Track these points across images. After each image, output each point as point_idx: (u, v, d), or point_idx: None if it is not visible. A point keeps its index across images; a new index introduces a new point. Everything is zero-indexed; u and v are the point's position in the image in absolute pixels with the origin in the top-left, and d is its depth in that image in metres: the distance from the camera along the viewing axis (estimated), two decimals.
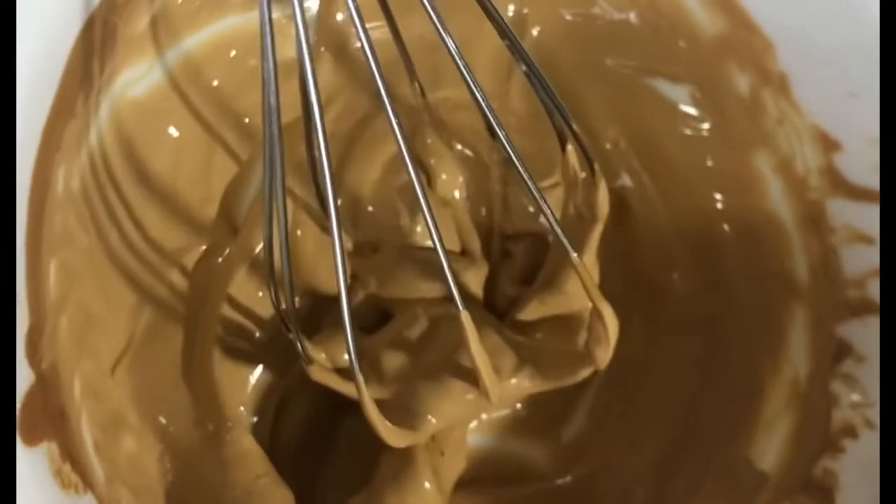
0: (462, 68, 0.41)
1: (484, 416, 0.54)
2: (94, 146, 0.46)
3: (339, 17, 0.54)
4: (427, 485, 0.46)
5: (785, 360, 0.52)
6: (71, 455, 0.41)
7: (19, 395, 0.38)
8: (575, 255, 0.43)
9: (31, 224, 0.40)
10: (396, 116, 0.41)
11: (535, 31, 0.57)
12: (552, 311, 0.48)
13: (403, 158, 0.41)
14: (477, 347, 0.42)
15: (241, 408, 0.50)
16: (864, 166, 0.49)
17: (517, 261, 0.53)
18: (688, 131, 0.55)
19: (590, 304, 0.45)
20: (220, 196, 0.53)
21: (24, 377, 0.39)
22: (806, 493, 0.49)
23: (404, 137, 0.41)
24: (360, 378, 0.42)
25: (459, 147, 0.54)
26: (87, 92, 0.45)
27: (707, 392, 0.54)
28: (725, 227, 0.55)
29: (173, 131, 0.51)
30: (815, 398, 0.50)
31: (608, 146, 0.57)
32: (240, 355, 0.50)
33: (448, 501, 0.50)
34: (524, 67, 0.45)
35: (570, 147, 0.46)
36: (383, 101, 0.40)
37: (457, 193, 0.54)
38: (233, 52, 0.51)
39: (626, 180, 0.57)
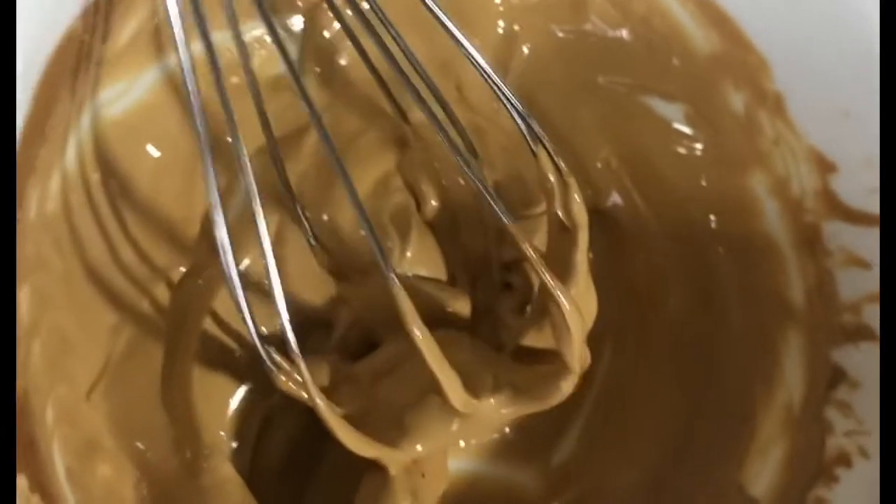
0: (434, 93, 0.40)
1: (473, 441, 0.53)
2: (69, 168, 0.46)
3: (326, 34, 0.54)
4: None
5: (778, 385, 0.51)
6: (41, 486, 0.40)
7: None
8: (510, 222, 0.43)
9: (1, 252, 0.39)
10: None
11: (525, 49, 0.56)
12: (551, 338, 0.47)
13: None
14: (412, 318, 0.42)
15: (222, 432, 0.49)
16: (860, 189, 0.48)
17: (516, 291, 0.51)
18: (681, 150, 0.55)
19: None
20: (202, 215, 0.52)
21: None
22: None
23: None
24: (306, 373, 0.42)
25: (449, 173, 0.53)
26: (59, 114, 0.44)
27: (699, 415, 0.53)
28: (719, 248, 0.54)
29: (153, 151, 0.50)
30: (809, 424, 0.50)
31: (599, 165, 0.56)
32: (220, 377, 0.49)
33: None
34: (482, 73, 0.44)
35: (539, 151, 0.45)
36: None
37: (446, 220, 0.53)
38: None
39: (617, 199, 0.56)
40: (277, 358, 0.43)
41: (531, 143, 0.45)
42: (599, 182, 0.56)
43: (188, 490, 0.47)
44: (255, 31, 0.52)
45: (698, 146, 0.54)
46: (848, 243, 0.49)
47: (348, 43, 0.51)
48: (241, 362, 0.50)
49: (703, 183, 0.54)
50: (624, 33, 0.54)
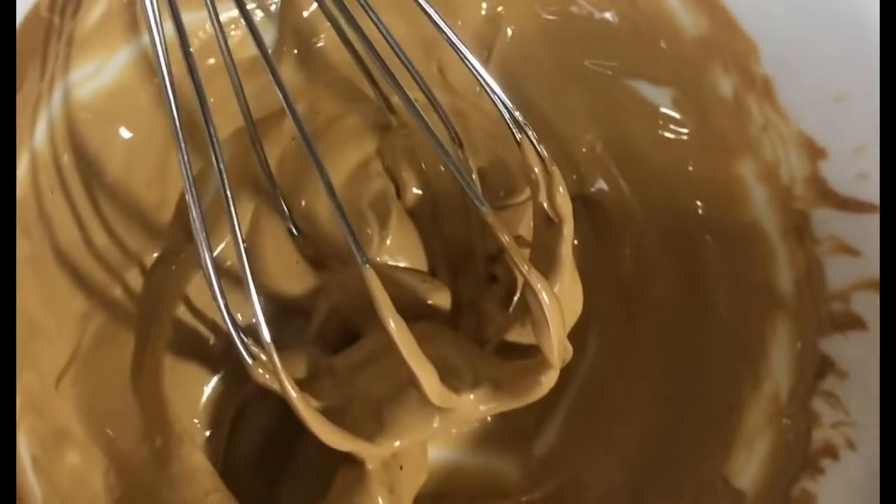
0: (415, 76, 0.39)
1: (453, 431, 0.53)
2: (39, 148, 0.45)
3: (304, 14, 0.53)
4: (380, 502, 0.45)
5: (765, 375, 0.50)
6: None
7: None
8: (489, 211, 0.42)
9: None
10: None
11: (509, 31, 0.55)
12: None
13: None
14: (387, 308, 0.40)
15: (195, 420, 0.48)
16: (850, 175, 0.48)
17: (502, 284, 0.50)
18: (668, 135, 0.54)
19: None
20: (176, 200, 0.51)
21: None
22: None
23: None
24: (279, 364, 0.41)
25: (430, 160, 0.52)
26: (27, 95, 0.43)
27: (684, 406, 0.52)
28: (706, 235, 0.53)
29: (125, 133, 0.49)
30: (796, 415, 0.49)
31: (584, 150, 0.55)
32: (194, 365, 0.48)
33: None
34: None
35: (523, 140, 0.44)
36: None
37: (427, 208, 0.52)
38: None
39: (602, 185, 0.55)
40: (254, 349, 0.42)
41: (515, 132, 0.44)
42: (584, 167, 0.55)
43: (158, 478, 0.46)
44: (232, 12, 0.50)
45: (685, 131, 0.53)
46: (837, 231, 0.49)
47: (327, 24, 0.51)
48: (216, 350, 0.49)
49: (691, 168, 0.53)
50: (610, 15, 0.53)
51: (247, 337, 0.42)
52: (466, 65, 0.43)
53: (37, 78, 0.44)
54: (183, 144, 0.41)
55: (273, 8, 0.53)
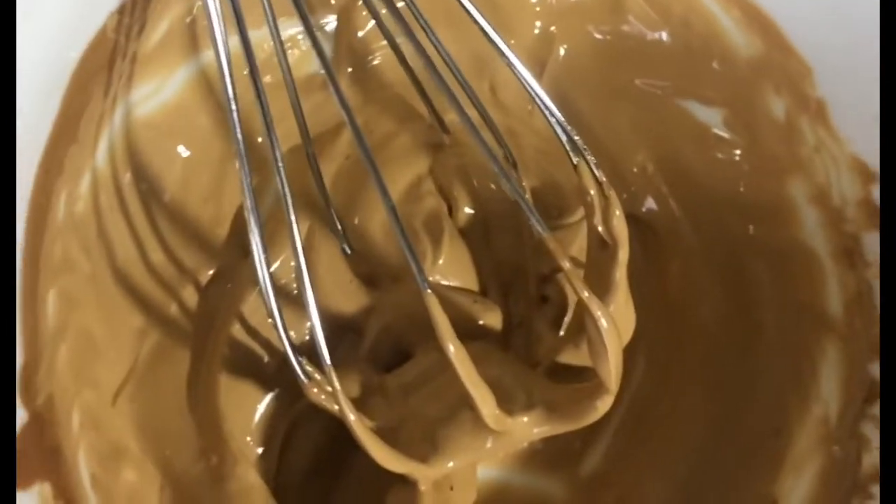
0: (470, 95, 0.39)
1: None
2: (100, 167, 0.45)
3: (359, 34, 0.53)
4: None
5: (814, 398, 0.50)
6: (66, 494, 0.40)
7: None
8: (549, 234, 0.42)
9: (28, 254, 0.39)
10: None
11: (561, 50, 0.55)
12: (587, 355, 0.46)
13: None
14: (447, 331, 0.40)
15: (248, 438, 0.48)
16: None
17: (553, 305, 0.50)
18: (719, 156, 0.54)
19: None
20: (231, 217, 0.51)
21: (16, 417, 0.37)
22: None
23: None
24: (338, 386, 0.41)
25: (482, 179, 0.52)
26: (91, 114, 0.43)
27: (732, 427, 0.52)
28: (756, 256, 0.53)
29: (183, 150, 0.50)
30: (845, 439, 0.48)
31: (635, 170, 0.55)
32: (248, 383, 0.48)
33: None
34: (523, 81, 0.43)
35: (580, 163, 0.44)
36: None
37: (479, 227, 0.52)
38: (245, 70, 0.49)
39: (652, 205, 0.55)
40: (309, 368, 0.42)
41: (572, 155, 0.44)
42: (635, 187, 0.55)
43: (213, 496, 0.46)
44: (288, 31, 0.51)
45: (737, 152, 0.53)
46: None
47: (382, 43, 0.51)
48: (269, 369, 0.49)
49: (741, 189, 0.53)
50: (663, 35, 0.53)
51: (301, 356, 0.42)
52: (525, 86, 0.43)
53: (101, 97, 0.44)
54: (245, 161, 0.40)
55: (328, 27, 0.53)
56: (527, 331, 0.50)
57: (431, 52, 0.46)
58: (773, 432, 0.50)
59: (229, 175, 0.51)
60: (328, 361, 0.41)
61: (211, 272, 0.50)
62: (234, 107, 0.39)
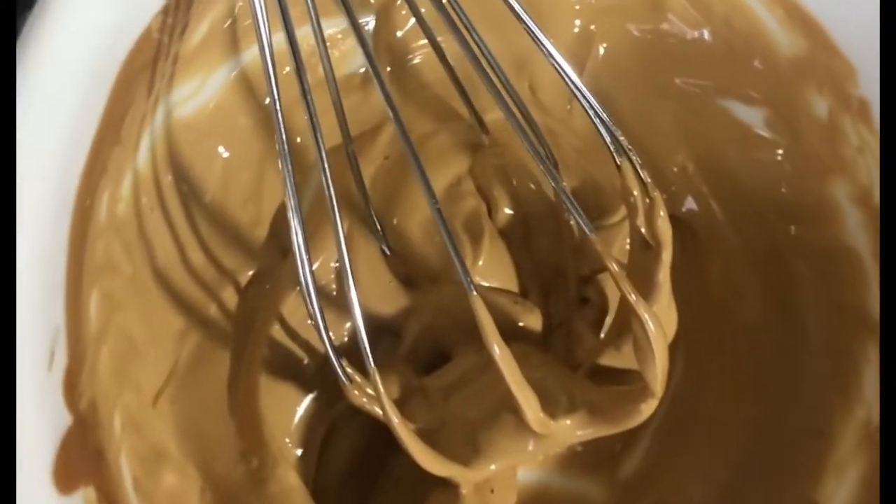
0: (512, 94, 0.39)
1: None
2: (141, 168, 0.45)
3: (398, 33, 0.52)
4: None
5: (857, 400, 0.49)
6: (109, 497, 0.39)
7: (55, 441, 0.36)
8: (595, 235, 0.41)
9: (72, 256, 0.38)
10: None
11: (601, 49, 0.55)
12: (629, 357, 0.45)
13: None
14: (492, 333, 0.40)
15: (287, 440, 0.48)
16: None
17: (593, 306, 0.50)
18: (761, 156, 0.53)
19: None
20: (271, 218, 0.51)
21: (61, 421, 0.37)
22: None
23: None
24: (382, 389, 0.41)
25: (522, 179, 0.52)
26: (134, 114, 0.43)
27: (773, 429, 0.51)
28: (798, 257, 0.52)
29: (223, 151, 0.49)
30: None
31: (675, 169, 0.55)
32: (287, 384, 0.48)
33: None
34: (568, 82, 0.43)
35: (624, 164, 0.44)
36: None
37: (518, 228, 0.51)
38: (286, 69, 0.49)
39: (692, 205, 0.55)
40: (350, 370, 0.42)
41: (615, 155, 0.43)
42: (675, 187, 0.55)
43: (253, 499, 0.46)
44: (327, 31, 0.50)
45: (779, 152, 0.53)
46: None
47: (421, 42, 0.51)
48: (308, 370, 0.49)
49: (783, 190, 0.53)
50: (704, 34, 0.53)
51: (341, 357, 0.42)
52: (569, 85, 0.43)
53: (144, 97, 0.44)
54: (288, 160, 0.40)
55: (367, 27, 0.53)
56: (567, 332, 0.50)
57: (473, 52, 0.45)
58: (816, 434, 0.50)
59: (268, 176, 0.51)
60: (372, 363, 0.40)
61: (251, 273, 0.50)
62: (278, 106, 0.39)
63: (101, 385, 0.41)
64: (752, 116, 0.53)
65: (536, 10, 0.50)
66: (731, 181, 0.54)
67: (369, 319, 0.48)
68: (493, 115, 0.51)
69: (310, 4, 0.43)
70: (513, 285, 0.50)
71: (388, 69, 0.53)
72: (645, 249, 0.45)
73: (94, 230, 0.41)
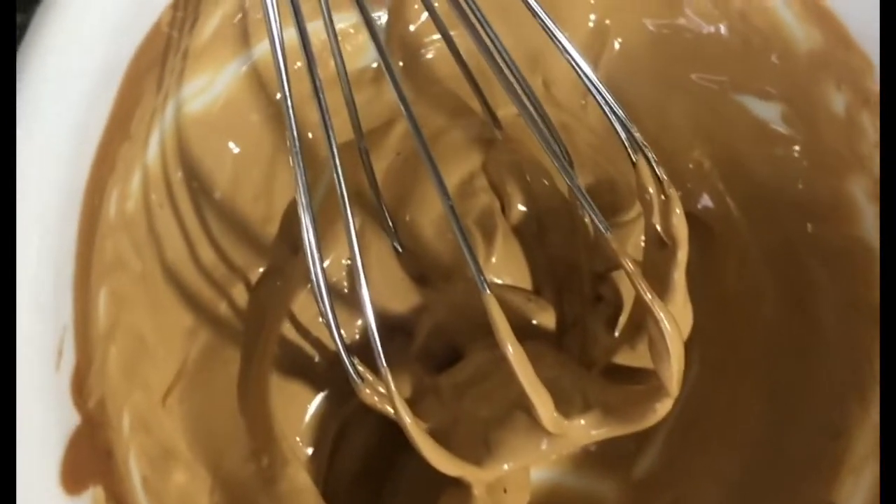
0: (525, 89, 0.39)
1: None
2: (150, 164, 0.45)
3: (411, 27, 0.52)
4: None
5: (874, 401, 0.49)
6: (118, 497, 0.39)
7: (63, 442, 0.36)
8: (610, 233, 0.41)
9: (81, 254, 0.38)
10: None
11: (616, 44, 0.54)
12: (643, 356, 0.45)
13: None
14: (506, 332, 0.40)
15: (298, 438, 0.47)
16: None
17: (608, 304, 0.49)
18: (777, 152, 0.52)
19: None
20: (281, 215, 0.51)
21: (69, 421, 0.37)
22: None
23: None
24: (394, 389, 0.40)
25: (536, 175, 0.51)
26: (143, 110, 0.42)
27: (788, 430, 0.51)
28: (815, 255, 0.52)
29: (234, 147, 0.49)
30: None
31: (691, 166, 0.54)
32: (298, 383, 0.48)
33: None
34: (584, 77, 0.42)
35: (640, 161, 0.43)
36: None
37: (532, 225, 0.50)
38: (297, 64, 0.48)
39: (708, 202, 0.54)
40: (361, 369, 0.41)
41: (631, 152, 0.43)
42: (690, 183, 0.54)
43: (263, 498, 0.46)
44: (338, 25, 0.50)
45: (796, 148, 0.52)
46: None
47: (434, 37, 0.50)
48: (320, 368, 0.48)
49: (800, 186, 0.52)
50: (720, 29, 0.52)
51: (353, 356, 0.42)
52: (584, 81, 0.43)
53: (153, 93, 0.43)
54: (299, 156, 0.40)
55: (380, 21, 0.52)
56: (581, 331, 0.49)
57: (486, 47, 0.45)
58: (832, 434, 0.49)
59: (279, 172, 0.50)
60: (384, 362, 0.40)
61: (261, 270, 0.50)
62: (289, 102, 0.39)
63: (109, 384, 0.41)
64: (769, 112, 0.52)
65: (551, 4, 0.49)
66: (747, 178, 0.53)
67: (381, 317, 0.48)
68: (507, 110, 0.50)
69: None
70: (526, 283, 0.50)
71: (401, 64, 0.53)
72: (660, 248, 0.44)
73: (104, 227, 0.40)
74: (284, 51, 0.39)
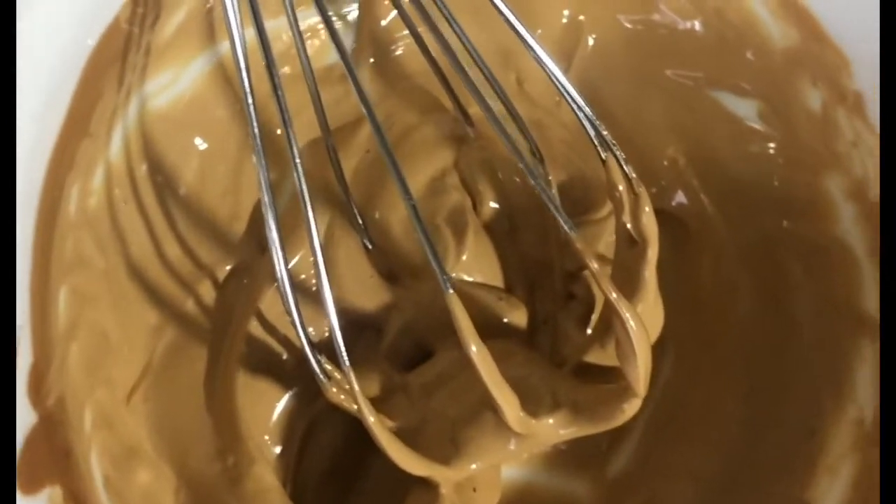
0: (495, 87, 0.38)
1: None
2: (114, 161, 0.44)
3: (382, 23, 0.52)
4: None
5: (850, 399, 0.48)
6: (77, 497, 0.39)
7: (18, 440, 0.36)
8: (575, 233, 0.40)
9: (38, 252, 0.38)
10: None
11: (590, 40, 0.54)
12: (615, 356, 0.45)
13: None
14: (468, 332, 0.39)
15: (266, 437, 0.47)
16: None
17: (580, 302, 0.49)
18: (753, 149, 0.52)
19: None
20: (250, 212, 0.51)
21: (25, 419, 0.36)
22: None
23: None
24: (357, 388, 0.40)
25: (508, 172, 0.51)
26: (104, 107, 0.42)
27: (763, 428, 0.51)
28: (790, 253, 0.51)
29: (200, 143, 0.49)
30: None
31: (665, 163, 0.54)
32: (266, 381, 0.47)
33: None
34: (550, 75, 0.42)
35: (609, 159, 0.43)
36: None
37: (504, 222, 0.50)
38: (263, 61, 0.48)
39: (682, 199, 0.54)
40: (328, 367, 0.41)
41: (600, 150, 0.42)
42: (665, 181, 0.54)
43: (229, 498, 0.45)
44: (308, 20, 0.50)
45: (771, 145, 0.52)
46: None
47: (405, 32, 0.50)
48: (288, 366, 0.48)
49: (776, 184, 0.52)
50: (695, 25, 0.52)
51: (320, 354, 0.41)
52: (551, 78, 0.42)
53: (114, 90, 0.43)
54: (262, 155, 0.39)
55: (350, 16, 0.52)
56: (553, 329, 0.49)
57: (455, 43, 0.45)
58: (808, 434, 0.49)
59: (247, 168, 0.50)
60: (346, 361, 0.40)
61: (228, 268, 0.50)
62: (250, 100, 0.38)
63: (70, 382, 0.40)
64: (745, 109, 0.52)
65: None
66: (722, 175, 0.53)
67: (350, 315, 0.48)
68: (479, 107, 0.50)
69: None
70: (498, 281, 0.50)
71: (372, 60, 0.53)
72: (631, 246, 0.44)
73: (63, 225, 0.40)
74: (246, 48, 0.38)
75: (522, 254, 0.50)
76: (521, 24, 0.42)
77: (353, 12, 0.52)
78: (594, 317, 0.48)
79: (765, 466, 0.50)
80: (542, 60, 0.42)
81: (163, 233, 0.47)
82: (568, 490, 0.52)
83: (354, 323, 0.48)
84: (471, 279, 0.49)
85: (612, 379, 0.44)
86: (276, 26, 0.47)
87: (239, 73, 0.39)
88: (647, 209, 0.43)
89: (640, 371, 0.40)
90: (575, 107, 0.42)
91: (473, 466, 0.43)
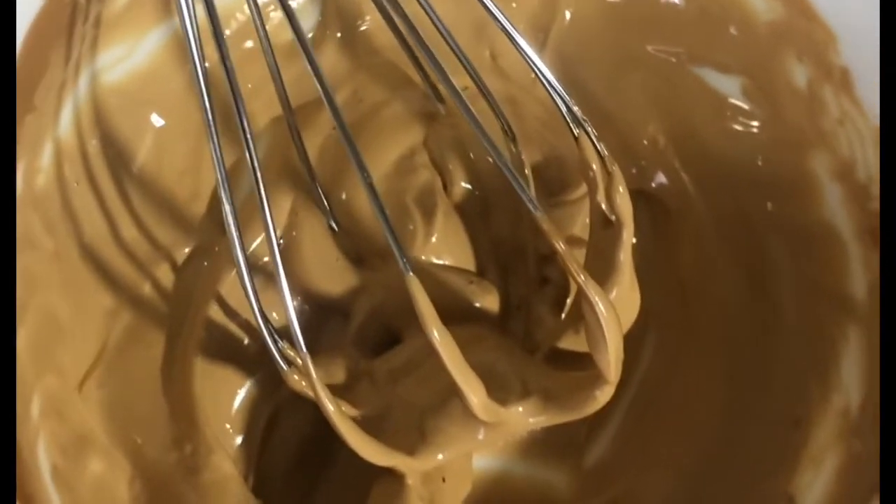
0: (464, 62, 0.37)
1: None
2: (63, 137, 0.43)
3: None
4: None
5: (835, 388, 0.47)
6: (22, 489, 0.37)
7: None
8: (542, 214, 0.39)
9: None
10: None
11: (567, 14, 0.53)
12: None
13: None
14: (430, 316, 0.38)
15: (227, 425, 0.46)
16: None
17: (554, 286, 0.48)
18: (737, 127, 0.51)
19: None
20: (210, 192, 0.49)
21: None
22: None
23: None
24: (314, 375, 0.38)
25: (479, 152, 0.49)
26: (50, 80, 0.41)
27: (746, 418, 0.49)
28: (775, 235, 0.50)
29: (157, 120, 0.47)
30: (868, 432, 0.45)
31: (645, 142, 0.53)
32: (226, 367, 0.46)
33: None
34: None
35: (581, 136, 0.42)
36: None
37: (476, 203, 0.49)
38: (226, 32, 0.46)
39: (663, 180, 0.53)
40: (289, 353, 0.40)
41: (572, 127, 0.41)
42: (645, 161, 0.53)
43: (186, 488, 0.44)
44: None
45: (755, 123, 0.50)
46: None
47: (373, 5, 0.48)
48: (250, 351, 0.47)
49: (760, 163, 0.50)
50: None
51: (282, 340, 0.40)
52: (520, 52, 0.41)
53: (61, 63, 0.41)
54: (215, 133, 0.38)
55: None
56: (526, 314, 0.48)
57: (423, 17, 0.43)
58: (792, 423, 0.48)
59: (207, 147, 0.48)
60: (304, 347, 0.38)
61: (187, 250, 0.48)
62: (199, 73, 0.37)
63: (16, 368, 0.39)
64: (728, 85, 0.51)
65: None
66: (704, 154, 0.52)
67: (315, 299, 0.47)
68: (443, 85, 0.49)
69: None
70: (469, 264, 0.48)
71: (339, 35, 0.51)
72: (606, 227, 0.43)
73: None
74: (195, 18, 0.37)
75: (495, 236, 0.49)
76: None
77: None
78: (569, 301, 0.47)
79: (747, 457, 0.49)
80: (503, 26, 0.40)
81: (118, 213, 0.46)
82: (545, 480, 0.51)
83: (320, 308, 0.47)
84: (441, 262, 0.47)
85: (587, 366, 0.42)
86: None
87: (189, 47, 0.37)
88: (620, 189, 0.41)
89: (611, 357, 0.39)
90: (544, 81, 0.41)
91: (440, 456, 0.41)
